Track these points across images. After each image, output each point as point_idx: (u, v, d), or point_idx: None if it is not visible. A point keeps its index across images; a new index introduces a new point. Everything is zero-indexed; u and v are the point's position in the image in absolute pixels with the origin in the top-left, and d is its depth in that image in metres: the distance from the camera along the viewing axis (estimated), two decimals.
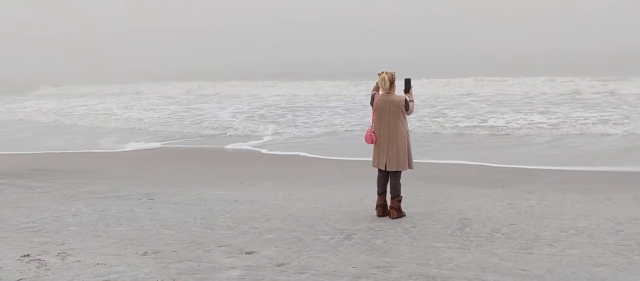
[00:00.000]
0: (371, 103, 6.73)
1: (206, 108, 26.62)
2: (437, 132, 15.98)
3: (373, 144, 6.74)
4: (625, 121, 16.26)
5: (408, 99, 6.63)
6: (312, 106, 25.74)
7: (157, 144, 16.18)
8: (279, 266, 5.03)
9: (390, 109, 6.55)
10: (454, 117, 19.05)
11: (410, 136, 6.83)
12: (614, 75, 28.47)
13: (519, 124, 16.74)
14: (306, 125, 19.16)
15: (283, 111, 23.83)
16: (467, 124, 17.27)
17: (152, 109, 26.98)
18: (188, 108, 26.90)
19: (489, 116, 18.95)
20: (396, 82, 6.60)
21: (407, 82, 6.73)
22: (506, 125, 16.65)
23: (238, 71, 50.00)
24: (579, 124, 16.02)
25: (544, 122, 16.76)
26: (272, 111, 24.25)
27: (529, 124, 16.66)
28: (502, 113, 19.49)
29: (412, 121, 14.50)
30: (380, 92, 6.64)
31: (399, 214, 6.67)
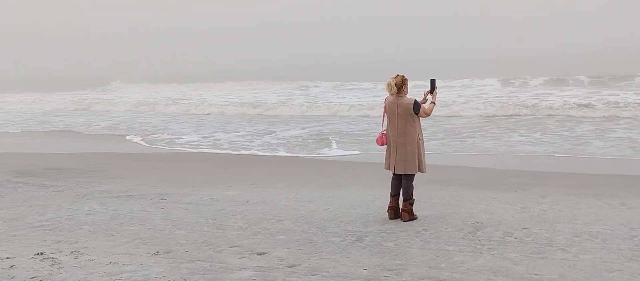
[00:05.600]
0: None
1: None
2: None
3: (385, 147, 6.77)
4: None
5: (431, 100, 6.65)
6: None
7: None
8: (290, 267, 5.04)
9: (399, 112, 6.54)
10: None
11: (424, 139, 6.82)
12: None
13: None
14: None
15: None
16: None
17: None
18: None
19: None
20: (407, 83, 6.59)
21: (432, 83, 6.78)
22: None
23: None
24: None
25: None
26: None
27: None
28: None
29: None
30: (389, 95, 6.64)
31: (411, 217, 6.65)
